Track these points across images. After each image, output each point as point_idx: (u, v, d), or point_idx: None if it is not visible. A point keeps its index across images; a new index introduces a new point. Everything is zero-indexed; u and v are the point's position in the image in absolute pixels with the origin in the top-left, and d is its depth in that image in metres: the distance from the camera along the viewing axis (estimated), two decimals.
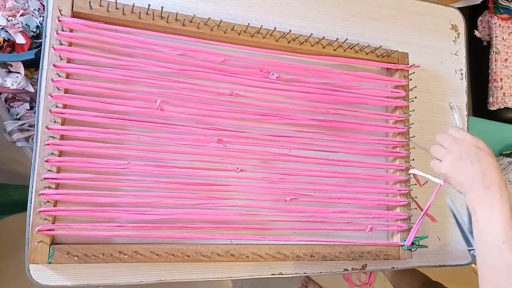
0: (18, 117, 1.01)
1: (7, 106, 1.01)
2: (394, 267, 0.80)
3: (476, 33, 1.40)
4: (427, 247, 0.77)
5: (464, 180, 0.58)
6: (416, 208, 0.80)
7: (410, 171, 0.78)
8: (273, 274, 0.73)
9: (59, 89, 0.62)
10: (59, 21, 0.63)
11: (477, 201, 0.55)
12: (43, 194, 0.60)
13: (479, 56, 1.38)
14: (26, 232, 0.60)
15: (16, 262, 1.19)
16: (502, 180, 0.56)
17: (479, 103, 1.45)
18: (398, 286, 1.20)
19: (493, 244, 0.52)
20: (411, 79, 0.82)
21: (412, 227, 0.75)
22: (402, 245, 0.76)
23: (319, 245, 0.73)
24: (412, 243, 0.75)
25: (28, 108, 1.02)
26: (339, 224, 0.75)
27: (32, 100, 1.02)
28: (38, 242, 0.60)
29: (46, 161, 0.61)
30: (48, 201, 0.61)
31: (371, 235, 0.77)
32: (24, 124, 1.01)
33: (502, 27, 1.33)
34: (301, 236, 0.74)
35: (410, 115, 0.81)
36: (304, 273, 0.75)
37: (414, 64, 0.82)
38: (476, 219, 0.55)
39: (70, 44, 0.65)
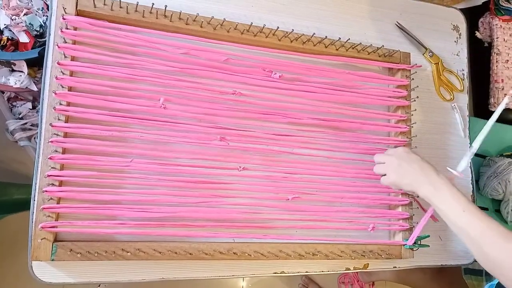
0: (20, 116, 1.01)
1: (10, 105, 1.01)
2: (396, 267, 0.80)
3: (477, 34, 1.40)
4: (429, 246, 0.77)
5: (410, 180, 0.67)
6: (417, 208, 0.80)
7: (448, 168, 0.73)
8: (275, 273, 0.73)
9: (63, 87, 0.63)
10: (64, 19, 0.63)
11: (428, 193, 0.65)
12: (46, 191, 0.60)
13: (480, 57, 1.38)
14: (29, 229, 0.60)
15: (18, 261, 1.20)
16: (434, 168, 0.67)
17: (480, 104, 1.45)
18: (407, 279, 1.19)
19: (459, 220, 0.61)
20: (413, 79, 0.83)
21: (414, 226, 0.75)
22: (404, 244, 0.76)
23: (321, 244, 0.73)
24: (414, 243, 0.75)
25: (31, 107, 1.02)
26: (341, 223, 0.75)
27: (35, 100, 1.02)
28: (41, 239, 0.60)
29: (50, 158, 0.61)
30: (51, 198, 0.61)
31: (373, 234, 0.77)
32: (26, 123, 1.01)
33: (503, 28, 1.33)
34: (303, 234, 0.74)
35: (412, 114, 0.81)
36: (306, 271, 0.75)
37: (416, 64, 0.83)
38: (436, 208, 0.65)
39: (74, 42, 0.65)
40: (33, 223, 0.60)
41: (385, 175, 0.71)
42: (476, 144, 0.71)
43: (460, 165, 0.71)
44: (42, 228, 0.60)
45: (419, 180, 0.66)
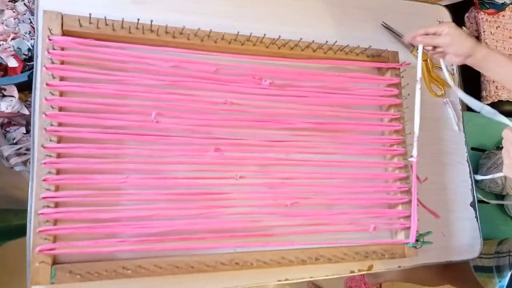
0: (14, 141, 1.01)
1: (3, 131, 1.01)
2: (400, 266, 0.80)
3: (464, 29, 1.42)
4: (432, 243, 0.77)
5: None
6: (418, 205, 0.79)
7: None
8: (279, 280, 0.72)
9: (53, 108, 0.62)
10: (50, 40, 0.63)
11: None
12: (42, 213, 0.60)
13: None
14: (27, 254, 0.59)
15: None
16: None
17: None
18: (413, 277, 1.18)
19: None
20: (402, 77, 0.83)
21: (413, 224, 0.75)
22: (406, 243, 0.75)
23: (323, 248, 0.72)
24: (417, 240, 0.75)
25: (24, 132, 1.01)
26: (342, 226, 0.74)
27: (28, 124, 1.02)
28: (39, 263, 0.59)
29: (44, 180, 0.60)
30: (47, 221, 0.60)
31: (375, 235, 0.77)
32: (21, 148, 1.01)
33: (489, 21, 1.34)
34: (304, 240, 0.73)
35: (405, 112, 0.81)
36: (310, 277, 0.74)
37: (404, 62, 0.83)
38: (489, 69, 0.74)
39: (62, 63, 0.65)
40: (30, 247, 0.59)
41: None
42: (416, 129, 0.76)
43: (413, 151, 0.76)
44: (40, 251, 0.59)
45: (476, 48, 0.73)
